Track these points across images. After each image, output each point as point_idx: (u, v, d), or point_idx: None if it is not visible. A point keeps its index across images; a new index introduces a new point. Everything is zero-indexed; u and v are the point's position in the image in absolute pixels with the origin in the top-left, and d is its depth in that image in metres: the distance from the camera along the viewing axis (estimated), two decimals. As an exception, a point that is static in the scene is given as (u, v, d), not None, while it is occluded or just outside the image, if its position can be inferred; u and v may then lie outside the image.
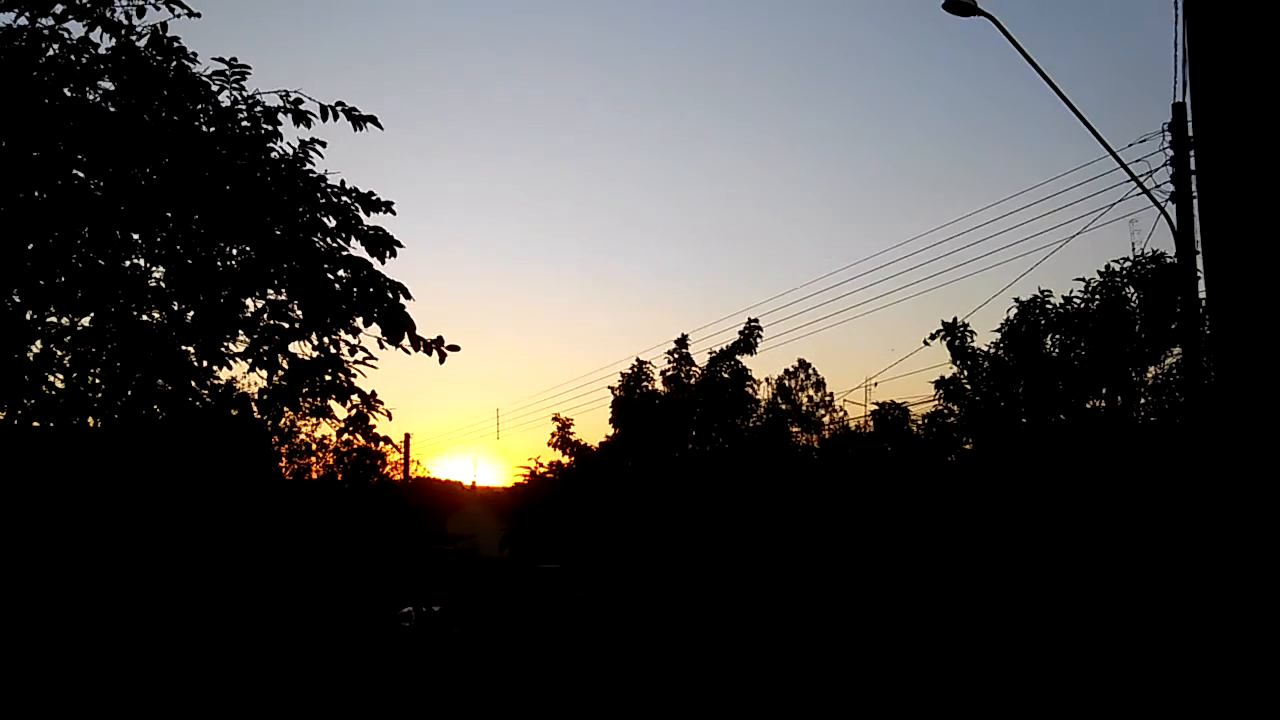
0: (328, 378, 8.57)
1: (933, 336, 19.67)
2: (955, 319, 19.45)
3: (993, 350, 18.91)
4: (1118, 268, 17.76)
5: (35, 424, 8.05)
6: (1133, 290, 17.66)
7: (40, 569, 9.09)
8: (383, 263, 8.78)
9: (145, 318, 8.29)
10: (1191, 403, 15.09)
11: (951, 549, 18.44)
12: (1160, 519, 15.30)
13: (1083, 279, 18.08)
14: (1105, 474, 16.39)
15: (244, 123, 8.41)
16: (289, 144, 8.63)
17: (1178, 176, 14.92)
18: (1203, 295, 14.80)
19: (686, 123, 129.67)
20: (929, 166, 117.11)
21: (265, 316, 8.49)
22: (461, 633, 23.82)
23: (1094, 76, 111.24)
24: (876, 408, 21.44)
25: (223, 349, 8.46)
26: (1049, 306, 18.35)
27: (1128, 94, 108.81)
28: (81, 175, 7.91)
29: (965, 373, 19.25)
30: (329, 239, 8.70)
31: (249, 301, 8.50)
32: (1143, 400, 17.68)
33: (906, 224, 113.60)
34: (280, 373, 8.51)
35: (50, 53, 7.73)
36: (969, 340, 19.25)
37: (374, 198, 8.86)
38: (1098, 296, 17.86)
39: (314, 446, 30.37)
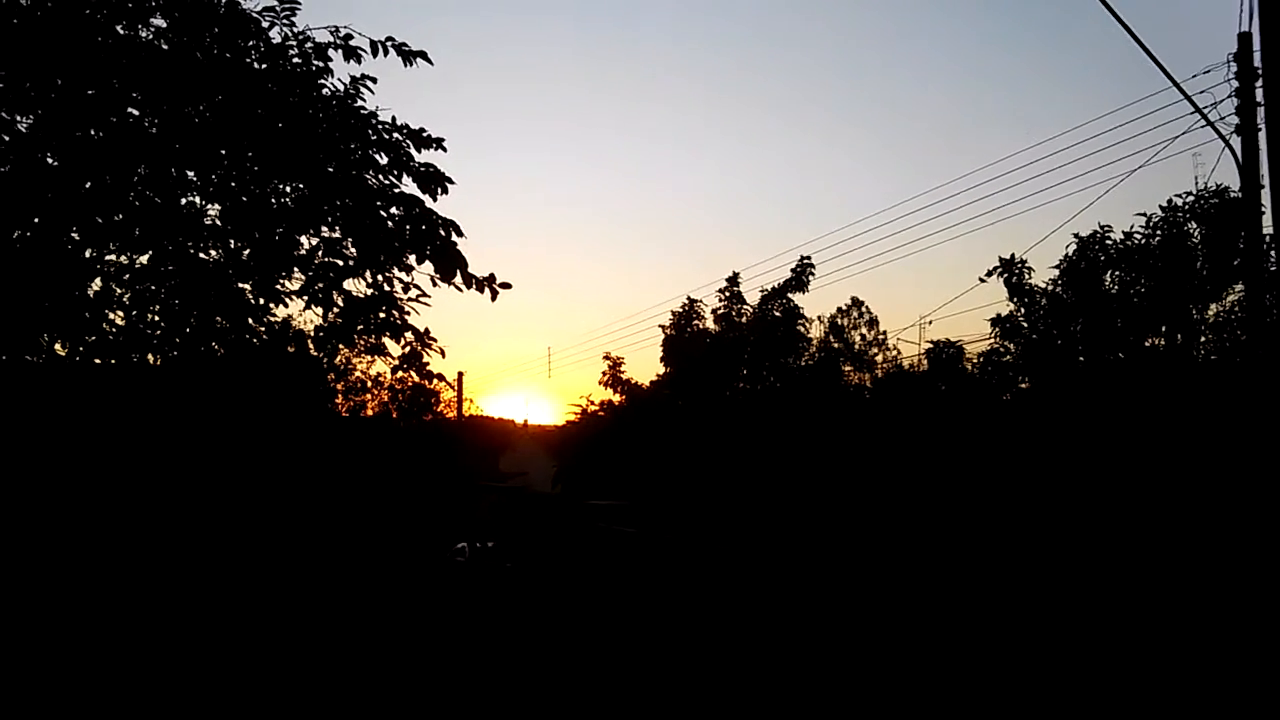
0: (381, 315, 8.70)
1: (989, 273, 19.38)
2: (1013, 255, 19.17)
3: (1050, 287, 18.58)
4: (1180, 202, 17.32)
5: (97, 360, 8.17)
6: (1195, 225, 17.21)
7: (104, 503, 9.31)
8: (434, 200, 8.84)
9: (202, 255, 8.40)
10: (1254, 341, 14.75)
11: (1008, 491, 18.27)
12: (1222, 460, 15.04)
13: (1144, 214, 17.70)
14: (1165, 414, 16.12)
15: (294, 59, 8.44)
16: (339, 80, 8.71)
17: (1243, 108, 14.40)
18: (1268, 230, 14.45)
19: (742, 55, 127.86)
20: (985, 100, 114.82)
21: (319, 254, 8.62)
22: (514, 567, 24.15)
23: (1156, 4, 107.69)
24: (931, 346, 21.17)
25: (278, 286, 8.63)
26: (1109, 242, 17.96)
27: (1191, 22, 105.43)
28: (136, 114, 7.96)
29: (1022, 310, 18.96)
30: (381, 176, 8.75)
31: (303, 239, 8.63)
32: (1203, 339, 17.26)
33: (962, 159, 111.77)
34: (335, 310, 8.67)
35: (102, -10, 7.69)
36: (1026, 277, 18.96)
37: (425, 134, 8.83)
38: (1159, 232, 17.45)
39: (369, 384, 30.81)
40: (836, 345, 25.55)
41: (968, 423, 19.74)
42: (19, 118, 7.61)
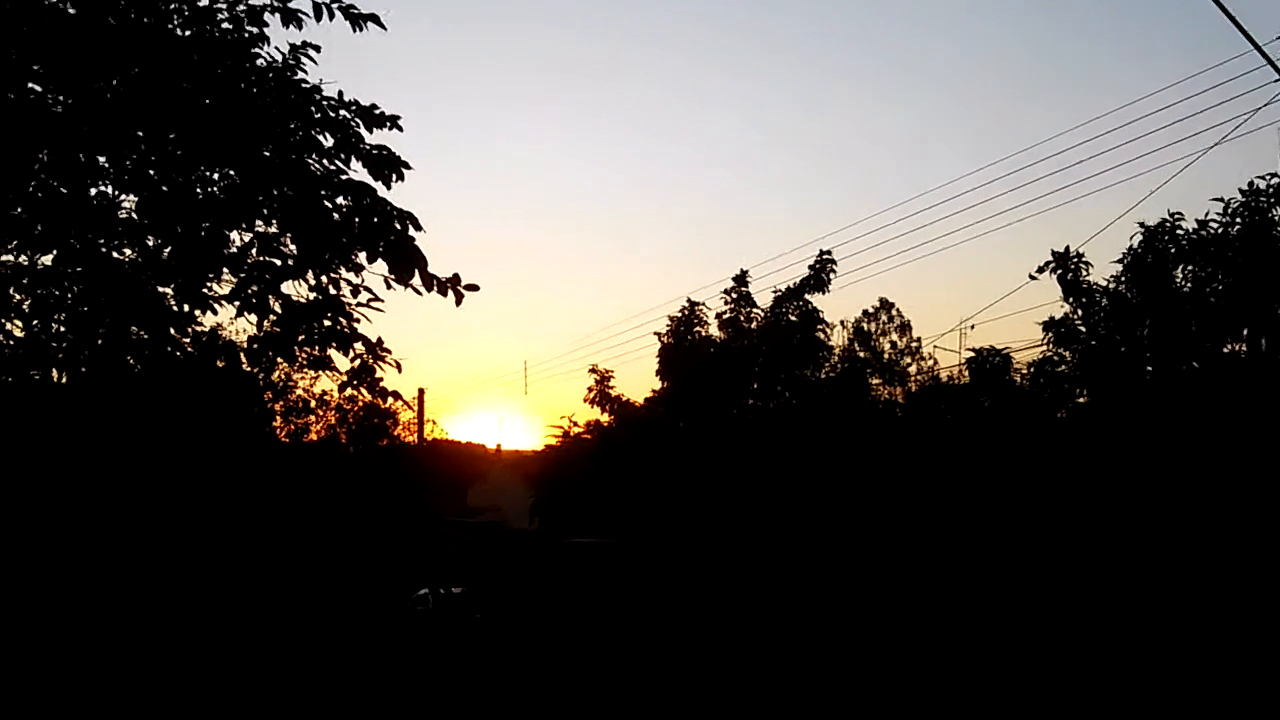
0: (326, 323, 8.58)
1: (1040, 269, 19.52)
2: (1067, 248, 19.22)
3: (1112, 285, 18.71)
4: (1263, 185, 17.42)
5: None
6: (1280, 212, 17.34)
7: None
8: (388, 188, 8.83)
9: (116, 255, 8.34)
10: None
11: (1068, 525, 18.35)
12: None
13: (1220, 199, 17.78)
14: (1248, 431, 16.15)
15: (224, 24, 8.40)
16: (277, 49, 8.62)
17: (1337, 77, 14.53)
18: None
19: (749, 16, 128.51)
20: (1034, 69, 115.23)
21: (253, 252, 8.50)
22: (485, 618, 24.14)
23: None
24: (973, 355, 21.11)
25: (205, 290, 8.46)
26: (1180, 232, 18.06)
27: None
28: (37, 89, 7.94)
29: (1079, 312, 19.09)
30: (326, 160, 8.74)
31: (234, 235, 8.50)
32: (1293, 343, 17.38)
33: (1008, 138, 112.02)
34: (272, 317, 8.49)
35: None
36: (1084, 274, 19.08)
37: (378, 112, 8.88)
38: (1238, 220, 17.53)
39: (313, 404, 30.80)
40: (863, 354, 25.74)
41: (1017, 444, 19.77)
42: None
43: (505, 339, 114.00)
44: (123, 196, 8.37)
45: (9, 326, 8.17)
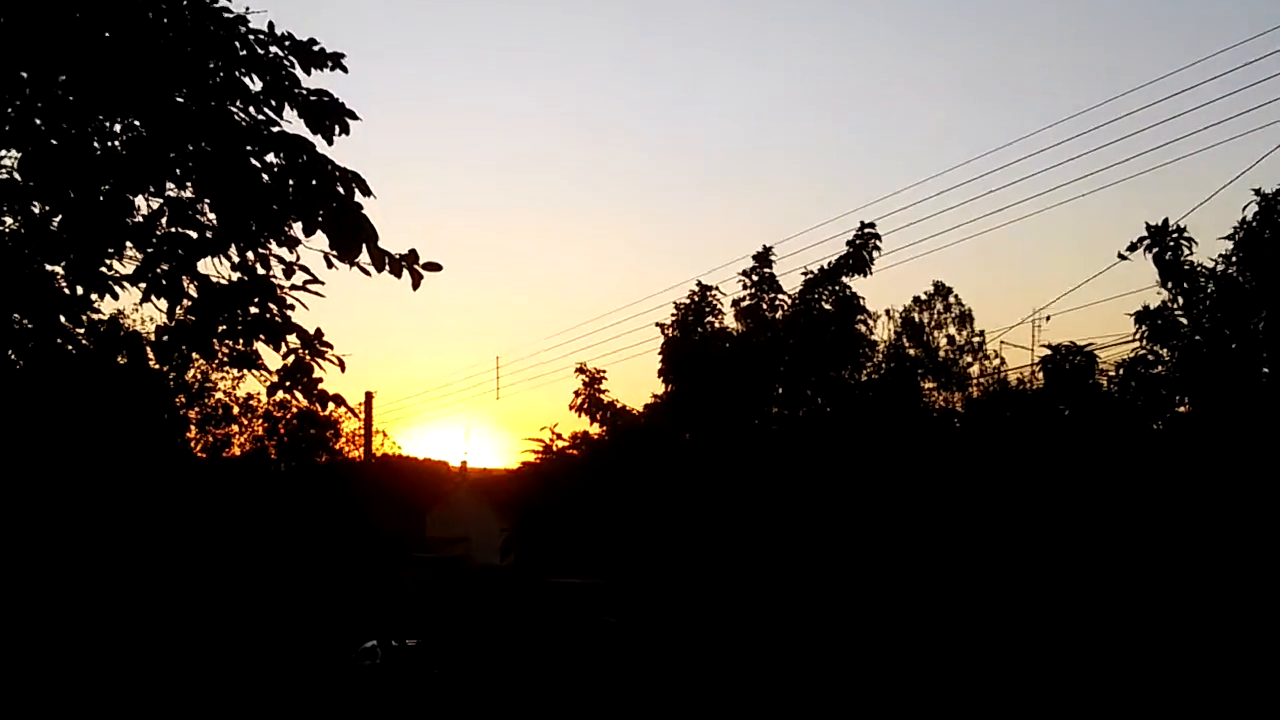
0: (253, 310, 8.58)
1: (1132, 247, 19.49)
2: (1165, 221, 19.14)
3: (1220, 266, 18.68)
4: None
5: None
6: None
7: None
8: (330, 143, 8.88)
9: (-7, 225, 8.26)
10: None
11: (1165, 560, 18.33)
12: None
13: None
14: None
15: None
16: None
17: None
18: None
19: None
20: (1121, 4, 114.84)
21: (163, 222, 8.47)
22: (445, 675, 24.12)
23: None
24: (1049, 353, 20.85)
25: (104, 269, 8.45)
26: (1307, 200, 18.07)
27: None
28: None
29: (1179, 300, 19.05)
30: (253, 108, 8.75)
31: (139, 200, 8.47)
32: None
33: (1091, 87, 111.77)
34: (185, 303, 8.49)
35: None
36: (1185, 252, 19.02)
37: (318, 48, 8.97)
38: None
39: (235, 410, 30.79)
40: (913, 351, 25.66)
41: (1103, 464, 19.70)
42: None
43: (473, 332, 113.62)
44: (3, 153, 8.33)
45: None
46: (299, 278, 8.67)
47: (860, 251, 24.84)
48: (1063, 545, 19.84)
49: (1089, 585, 19.33)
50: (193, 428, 27.27)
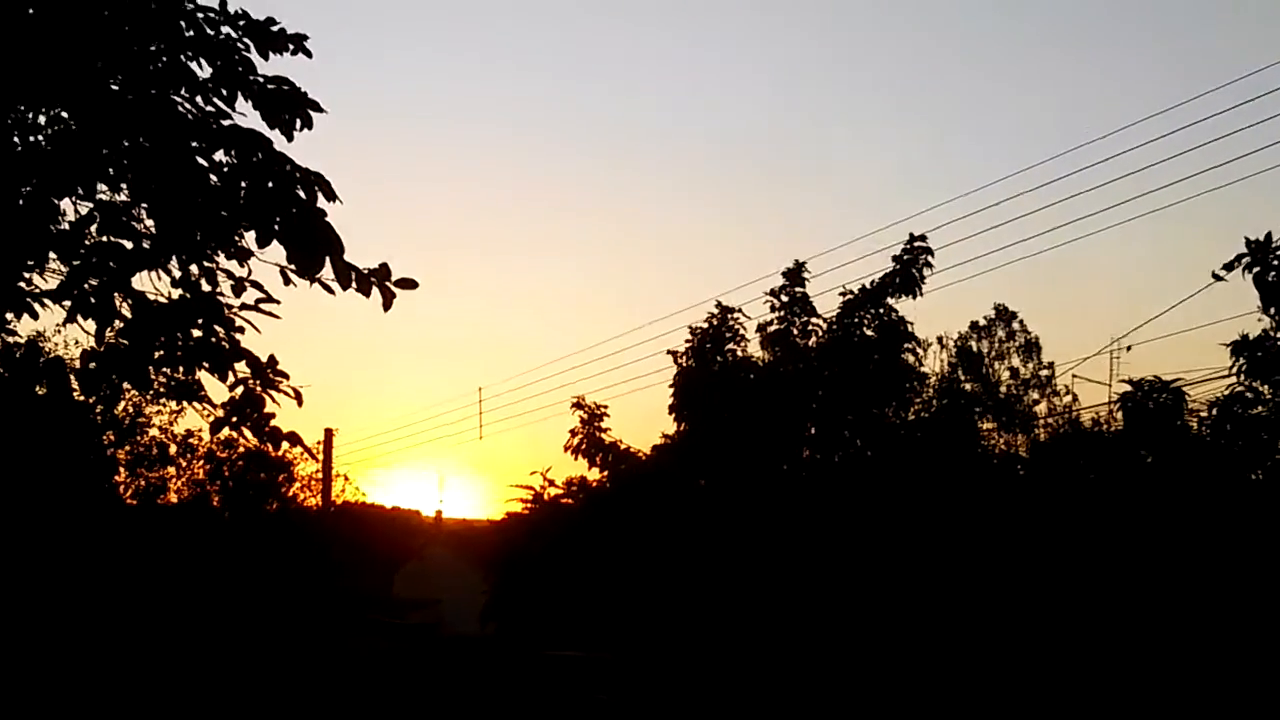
0: (196, 333, 8.51)
1: (1228, 266, 18.88)
2: (1268, 235, 18.54)
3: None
4: None
5: None
6: None
7: None
8: (290, 139, 8.85)
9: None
10: None
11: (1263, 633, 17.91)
12: None
13: None
14: None
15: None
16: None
17: None
18: None
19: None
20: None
21: (93, 230, 8.38)
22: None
23: None
24: (1128, 389, 20.45)
25: (22, 284, 8.46)
26: None
27: None
28: None
29: (1283, 328, 18.86)
30: (200, 98, 8.70)
31: (65, 204, 8.49)
32: None
33: (1180, 81, 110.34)
34: (117, 324, 8.37)
35: None
36: (1292, 272, 18.80)
37: (277, 29, 8.95)
38: None
39: (173, 449, 30.14)
40: (970, 386, 25.25)
41: (1193, 517, 19.26)
42: None
43: (452, 361, 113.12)
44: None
45: None
46: (250, 296, 8.54)
47: (909, 269, 24.47)
48: (1146, 611, 19.44)
49: (1180, 658, 18.92)
50: (122, 470, 27.10)
